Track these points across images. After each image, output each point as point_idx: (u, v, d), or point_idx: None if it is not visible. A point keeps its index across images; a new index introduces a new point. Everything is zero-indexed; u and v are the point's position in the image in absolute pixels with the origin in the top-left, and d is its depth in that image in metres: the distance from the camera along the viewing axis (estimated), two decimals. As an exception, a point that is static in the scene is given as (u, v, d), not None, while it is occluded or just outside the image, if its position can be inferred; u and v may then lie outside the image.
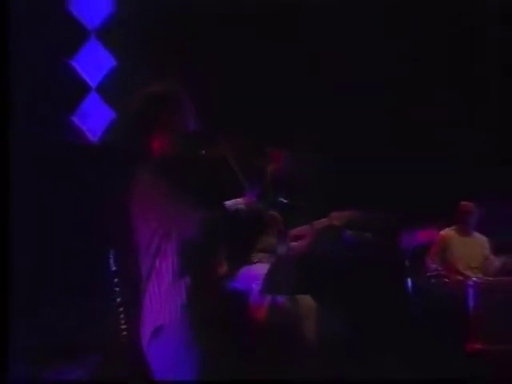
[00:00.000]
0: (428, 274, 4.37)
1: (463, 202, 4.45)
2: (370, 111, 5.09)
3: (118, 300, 3.55)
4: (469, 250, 4.44)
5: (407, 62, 5.43)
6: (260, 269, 2.93)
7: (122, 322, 3.51)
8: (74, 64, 4.42)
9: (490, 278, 4.23)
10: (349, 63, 5.19)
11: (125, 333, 3.51)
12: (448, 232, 4.43)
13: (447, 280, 4.35)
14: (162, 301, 1.99)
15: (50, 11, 4.30)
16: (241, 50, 4.93)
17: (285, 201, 2.64)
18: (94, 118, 4.47)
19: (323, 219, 3.03)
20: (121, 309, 3.53)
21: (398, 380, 3.60)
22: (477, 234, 4.41)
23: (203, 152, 2.36)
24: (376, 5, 5.21)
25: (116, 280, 3.58)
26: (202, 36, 4.74)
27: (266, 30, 4.96)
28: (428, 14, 5.53)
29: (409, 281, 4.15)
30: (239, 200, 2.51)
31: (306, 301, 3.05)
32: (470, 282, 4.05)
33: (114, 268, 3.61)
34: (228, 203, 2.44)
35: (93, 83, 4.52)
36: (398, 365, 3.71)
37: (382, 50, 5.32)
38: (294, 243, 2.97)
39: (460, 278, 4.30)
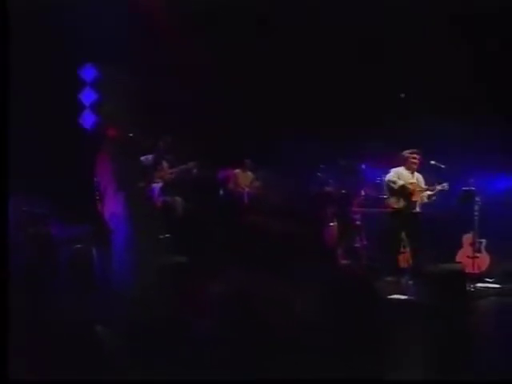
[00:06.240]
0: (229, 186, 9.51)
1: (245, 159, 9.63)
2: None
3: (97, 196, 8.64)
4: (245, 179, 9.45)
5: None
6: (158, 185, 8.11)
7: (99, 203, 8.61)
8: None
9: (260, 191, 9.81)
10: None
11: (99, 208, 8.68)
12: (237, 171, 9.25)
13: (238, 190, 9.44)
14: (113, 199, 7.13)
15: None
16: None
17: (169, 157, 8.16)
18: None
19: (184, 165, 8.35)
20: (97, 197, 8.53)
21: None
22: (249, 172, 9.53)
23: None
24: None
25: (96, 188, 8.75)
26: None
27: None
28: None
29: (221, 191, 9.60)
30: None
31: (179, 199, 8.06)
32: (245, 191, 9.45)
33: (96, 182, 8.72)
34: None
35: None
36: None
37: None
38: (170, 175, 8.27)
39: (241, 190, 9.28)
